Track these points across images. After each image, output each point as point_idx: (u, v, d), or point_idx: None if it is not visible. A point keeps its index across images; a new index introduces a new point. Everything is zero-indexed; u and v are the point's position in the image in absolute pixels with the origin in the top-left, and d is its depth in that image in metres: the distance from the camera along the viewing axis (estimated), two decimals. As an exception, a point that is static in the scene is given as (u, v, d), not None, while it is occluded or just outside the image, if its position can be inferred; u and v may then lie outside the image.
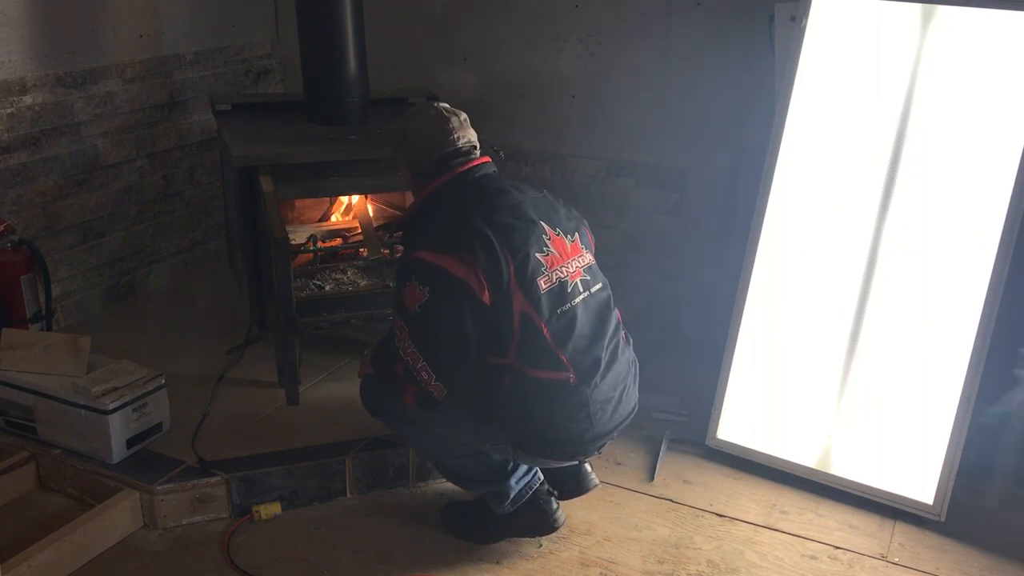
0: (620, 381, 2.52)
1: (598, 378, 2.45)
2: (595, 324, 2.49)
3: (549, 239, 2.47)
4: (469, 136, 2.60)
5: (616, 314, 2.59)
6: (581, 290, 2.49)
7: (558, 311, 2.42)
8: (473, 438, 2.54)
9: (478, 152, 2.61)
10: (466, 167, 2.55)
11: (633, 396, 2.60)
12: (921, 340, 2.82)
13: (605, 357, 2.47)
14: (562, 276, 2.46)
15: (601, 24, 3.98)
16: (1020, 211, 2.67)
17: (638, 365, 2.65)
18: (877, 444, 2.89)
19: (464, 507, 2.78)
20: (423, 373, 2.38)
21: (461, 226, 2.41)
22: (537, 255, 2.42)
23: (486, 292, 2.36)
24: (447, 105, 2.64)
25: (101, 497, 2.76)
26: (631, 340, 2.66)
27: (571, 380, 2.41)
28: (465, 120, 2.62)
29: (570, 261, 2.49)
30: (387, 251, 3.43)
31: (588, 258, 2.58)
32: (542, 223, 2.49)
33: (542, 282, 2.41)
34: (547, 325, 2.40)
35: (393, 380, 2.46)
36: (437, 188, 2.54)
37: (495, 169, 2.62)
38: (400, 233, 2.75)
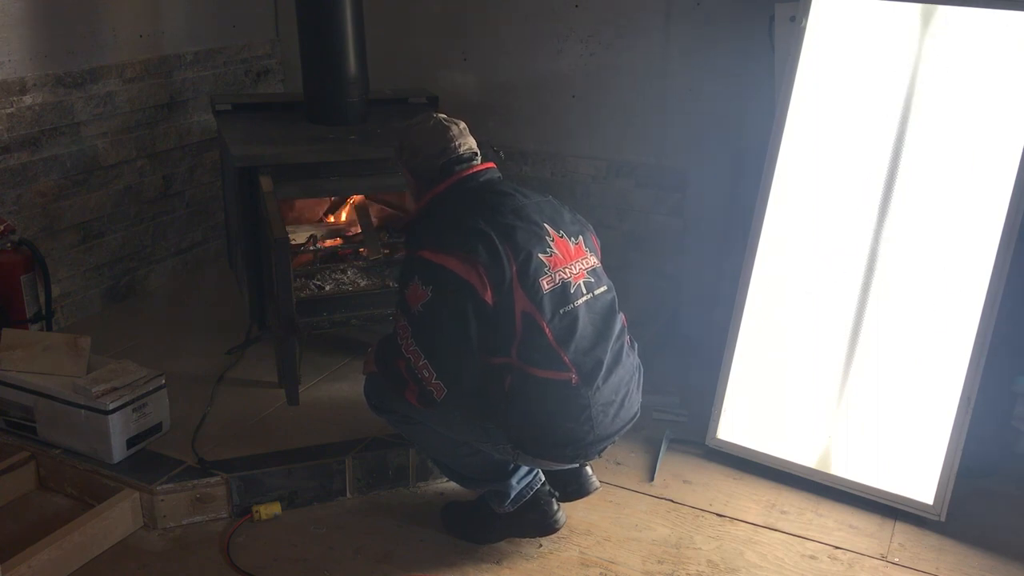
0: (623, 385, 2.52)
1: (600, 380, 2.44)
2: (599, 326, 2.49)
3: (552, 240, 2.48)
4: (469, 143, 2.63)
5: (621, 318, 2.59)
6: (584, 291, 2.49)
7: (560, 311, 2.42)
8: (474, 438, 2.54)
9: (479, 158, 2.63)
10: (469, 172, 2.58)
11: (636, 401, 2.60)
12: (921, 340, 2.82)
13: (608, 359, 2.47)
14: (565, 277, 2.46)
15: (601, 24, 3.98)
16: (1020, 211, 2.67)
17: (643, 370, 2.65)
18: (877, 444, 2.89)
19: (464, 507, 2.78)
20: (424, 371, 2.38)
21: (464, 227, 2.42)
22: (540, 255, 2.43)
23: (489, 292, 2.36)
24: (445, 115, 2.67)
25: (101, 497, 2.76)
26: (636, 345, 2.66)
27: (573, 381, 2.41)
28: (464, 128, 2.64)
29: (574, 263, 2.50)
30: (387, 251, 3.43)
31: (592, 261, 2.58)
32: (545, 225, 2.50)
33: (544, 282, 2.41)
34: (549, 325, 2.40)
35: (395, 378, 2.47)
36: (440, 192, 2.56)
37: (499, 175, 2.64)
38: (405, 223, 2.76)
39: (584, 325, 2.45)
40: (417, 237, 2.53)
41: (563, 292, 2.44)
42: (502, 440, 2.48)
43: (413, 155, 2.61)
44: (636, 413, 2.61)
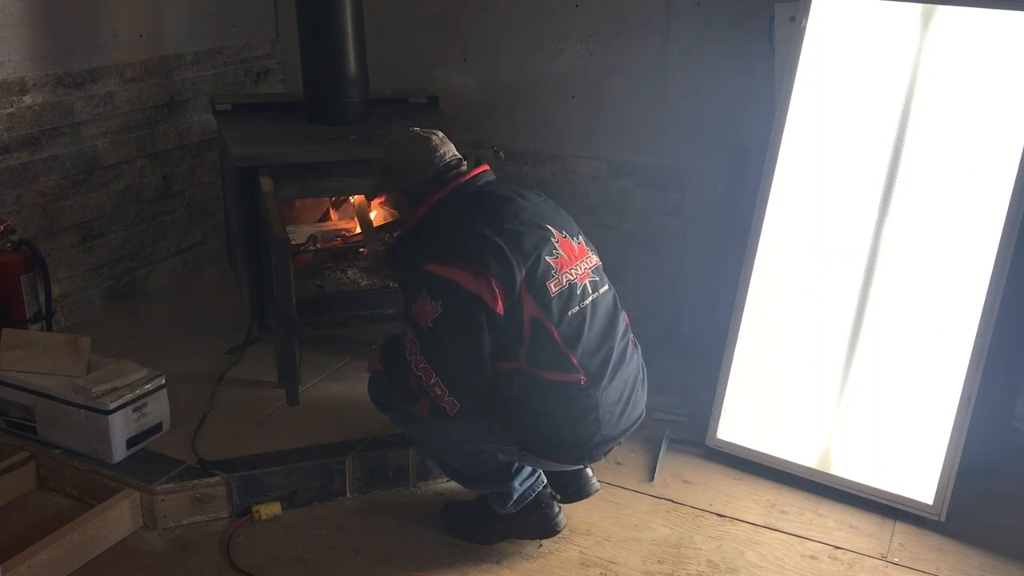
0: (628, 383, 2.52)
1: (607, 380, 2.44)
2: (604, 326, 2.49)
3: (557, 242, 2.46)
4: (452, 150, 2.61)
5: (624, 316, 2.59)
6: (590, 291, 2.48)
7: (568, 314, 2.41)
8: (480, 438, 2.53)
9: (464, 164, 2.61)
10: (465, 178, 2.55)
11: (641, 400, 2.59)
12: (921, 340, 2.82)
13: (614, 359, 2.47)
14: (572, 279, 2.45)
15: (601, 24, 3.98)
16: (1020, 211, 2.67)
17: (646, 371, 2.64)
18: (877, 444, 2.89)
19: (464, 507, 2.78)
20: (436, 389, 2.36)
21: (471, 236, 2.39)
22: (547, 258, 2.41)
23: (500, 303, 2.34)
24: (419, 127, 2.65)
25: (101, 497, 2.76)
26: (639, 345, 2.65)
27: (581, 382, 2.41)
28: (443, 136, 2.63)
29: (579, 263, 2.49)
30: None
31: (595, 259, 2.57)
32: (548, 226, 2.48)
33: (552, 286, 2.40)
34: (557, 328, 2.39)
35: (406, 392, 2.44)
36: (437, 203, 2.53)
37: (494, 176, 2.62)
38: (399, 233, 2.75)
39: (590, 325, 2.45)
40: (421, 250, 2.48)
41: (570, 294, 2.43)
42: (508, 441, 2.47)
43: (404, 169, 2.57)
44: (641, 414, 2.60)
